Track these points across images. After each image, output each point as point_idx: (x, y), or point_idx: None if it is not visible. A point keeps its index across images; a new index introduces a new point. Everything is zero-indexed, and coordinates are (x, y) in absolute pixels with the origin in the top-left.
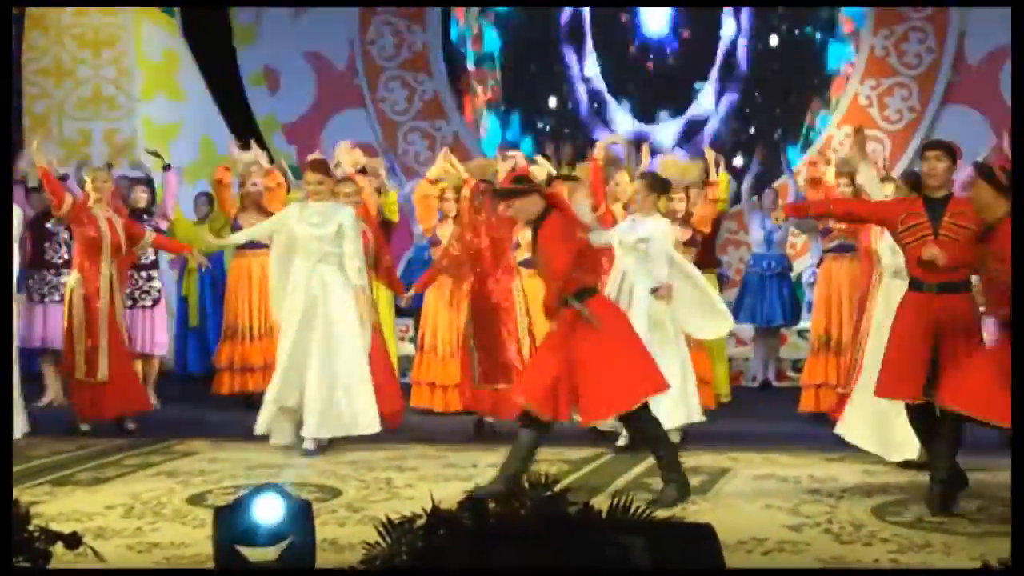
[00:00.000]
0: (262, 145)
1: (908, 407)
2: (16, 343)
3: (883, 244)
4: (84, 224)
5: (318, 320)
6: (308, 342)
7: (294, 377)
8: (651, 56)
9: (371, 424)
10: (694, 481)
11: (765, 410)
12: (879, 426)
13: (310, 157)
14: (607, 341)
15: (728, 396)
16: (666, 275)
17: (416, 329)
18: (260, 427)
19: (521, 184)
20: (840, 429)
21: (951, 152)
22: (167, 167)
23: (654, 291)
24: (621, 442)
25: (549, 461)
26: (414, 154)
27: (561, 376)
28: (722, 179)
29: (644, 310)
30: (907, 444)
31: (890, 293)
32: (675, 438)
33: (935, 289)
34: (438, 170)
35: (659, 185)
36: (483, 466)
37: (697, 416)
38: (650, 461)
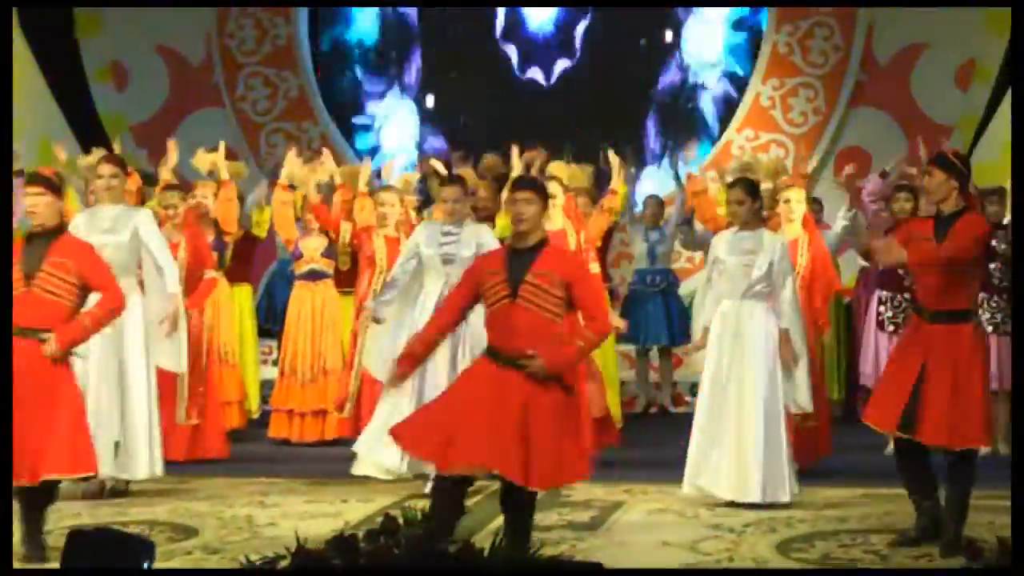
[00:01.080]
0: (108, 147)
1: (894, 440)
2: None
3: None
4: None
5: (110, 359)
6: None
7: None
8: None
9: (144, 469)
10: (584, 516)
11: (662, 438)
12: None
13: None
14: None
15: (619, 423)
16: None
17: (279, 351)
18: None
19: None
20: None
21: (945, 163)
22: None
23: None
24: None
25: (426, 496)
26: (278, 159)
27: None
28: (621, 190)
29: None
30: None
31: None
32: None
33: (928, 317)
34: (289, 174)
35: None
36: (354, 501)
37: None
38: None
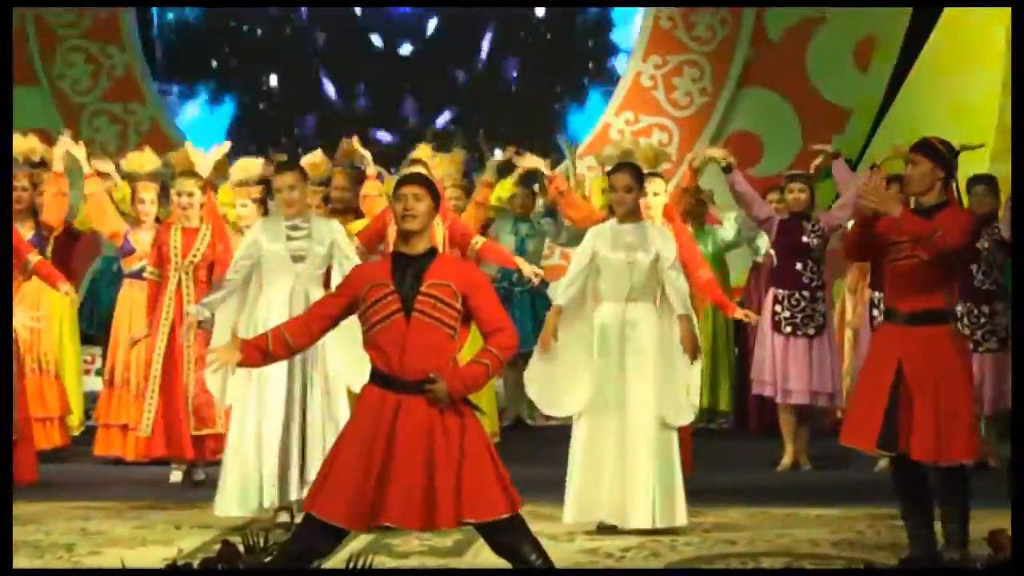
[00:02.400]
0: None
1: (891, 460)
2: None
3: None
4: None
5: None
6: None
7: None
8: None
9: None
10: (447, 541)
11: (533, 453)
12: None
13: None
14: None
15: (496, 436)
16: None
17: (104, 360)
18: None
19: None
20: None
21: (932, 151)
22: None
23: None
24: None
25: (266, 522)
26: (102, 143)
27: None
28: (505, 185)
29: None
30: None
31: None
32: None
33: (903, 319)
34: (95, 163)
35: None
36: (188, 527)
37: None
38: None
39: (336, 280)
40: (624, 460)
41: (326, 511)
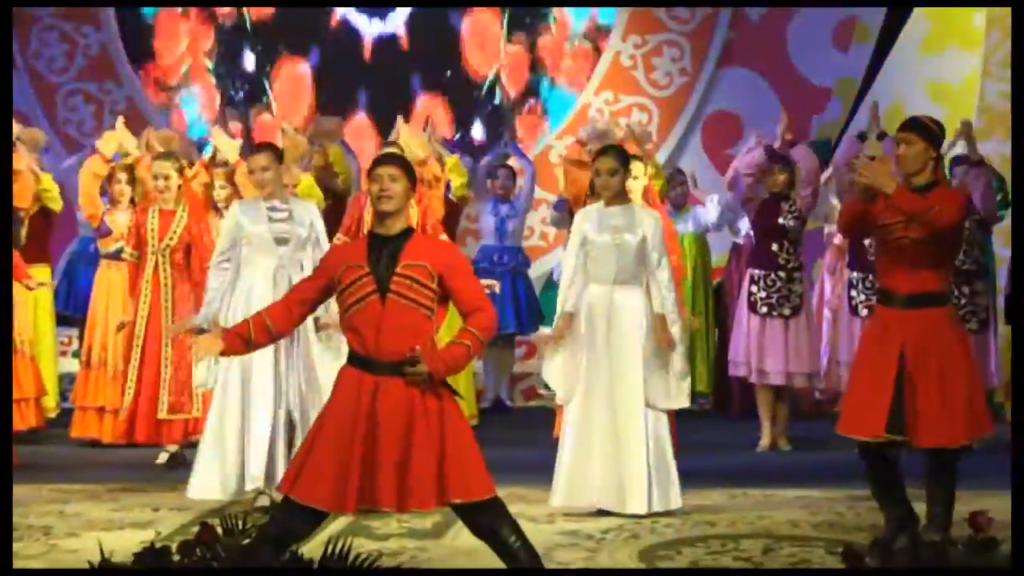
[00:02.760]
0: None
1: (862, 446)
2: None
3: None
4: None
5: None
6: None
7: None
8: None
9: None
10: (426, 523)
11: (513, 435)
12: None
13: None
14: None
15: (475, 418)
16: None
17: (81, 341)
18: None
19: None
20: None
21: (925, 131)
22: None
23: None
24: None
25: (244, 504)
26: (77, 122)
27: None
28: (450, 161)
29: None
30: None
31: None
32: None
33: (901, 302)
34: (114, 145)
35: None
36: (166, 509)
37: None
38: None
39: (309, 264)
40: (616, 445)
41: (305, 494)
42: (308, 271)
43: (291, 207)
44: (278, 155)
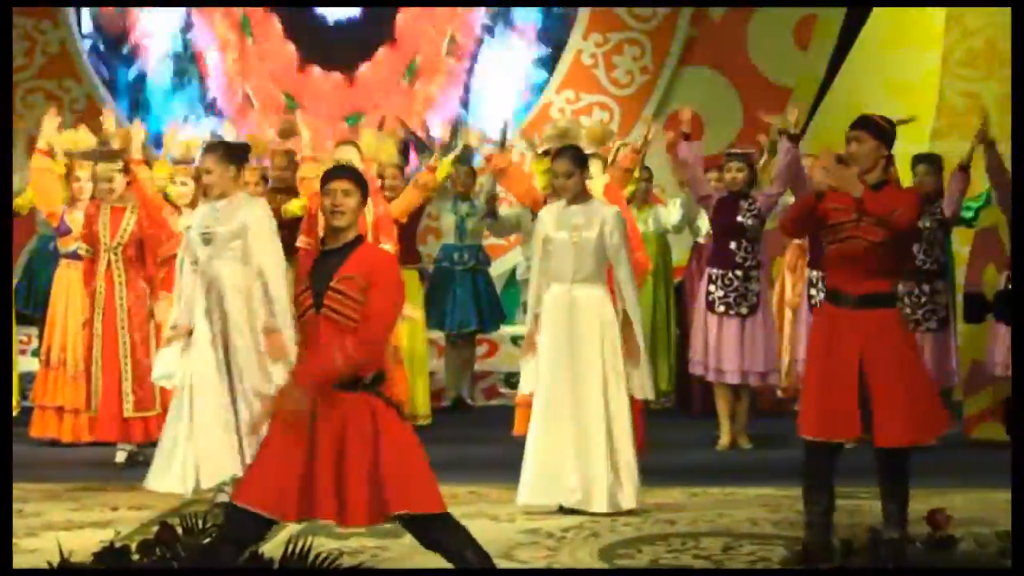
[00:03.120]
0: None
1: (817, 446)
2: None
3: None
4: None
5: None
6: None
7: None
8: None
9: None
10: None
11: (474, 433)
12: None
13: None
14: None
15: (428, 418)
16: None
17: (40, 340)
18: None
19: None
20: None
21: (876, 129)
22: None
23: None
24: None
25: (204, 503)
26: (36, 120)
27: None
28: (444, 165)
29: None
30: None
31: None
32: None
33: (853, 303)
34: (47, 138)
35: None
36: (125, 509)
37: None
38: None
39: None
40: (580, 443)
41: (249, 499)
42: (253, 264)
43: (226, 206)
44: (224, 158)
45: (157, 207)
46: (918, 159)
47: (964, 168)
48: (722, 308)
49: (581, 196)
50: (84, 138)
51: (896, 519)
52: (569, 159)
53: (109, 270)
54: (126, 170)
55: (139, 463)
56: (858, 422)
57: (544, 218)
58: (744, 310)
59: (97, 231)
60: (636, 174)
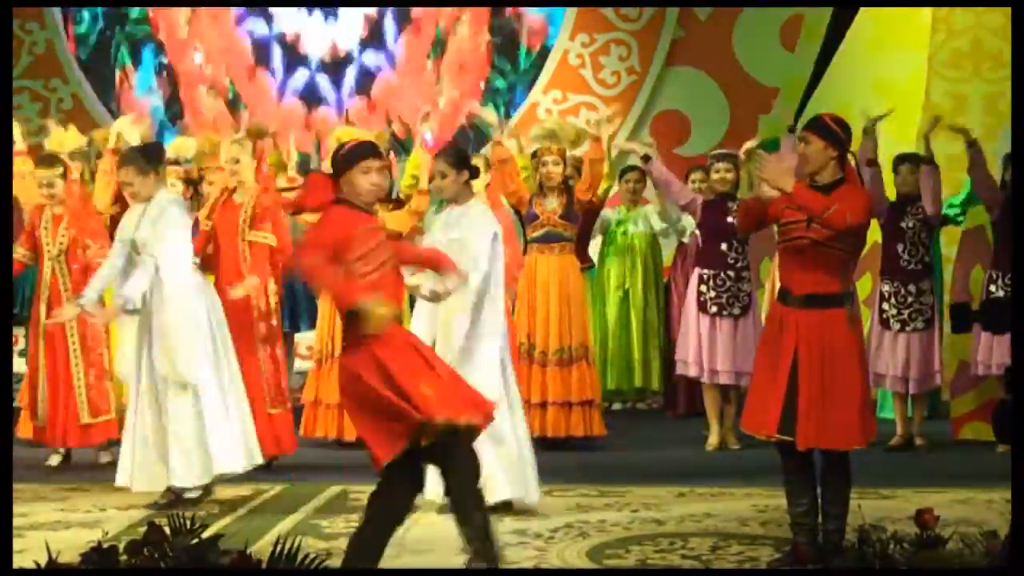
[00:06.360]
0: None
1: (782, 444)
2: None
3: None
4: None
5: None
6: None
7: None
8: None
9: None
10: None
11: None
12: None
13: None
14: None
15: None
16: None
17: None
18: None
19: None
20: None
21: (823, 130)
22: None
23: None
24: None
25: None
26: (23, 120)
27: None
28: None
29: None
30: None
31: None
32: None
33: (797, 302)
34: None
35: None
36: (113, 509)
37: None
38: (320, 499)
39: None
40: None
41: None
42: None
43: (139, 209)
44: (141, 169)
45: (86, 213)
46: (901, 159)
47: (928, 161)
48: (715, 309)
49: (462, 197)
50: (73, 138)
51: (835, 524)
52: (444, 160)
53: (55, 278)
54: (65, 175)
55: (104, 464)
56: (775, 422)
57: (433, 220)
58: (737, 311)
59: (39, 236)
60: (606, 170)
